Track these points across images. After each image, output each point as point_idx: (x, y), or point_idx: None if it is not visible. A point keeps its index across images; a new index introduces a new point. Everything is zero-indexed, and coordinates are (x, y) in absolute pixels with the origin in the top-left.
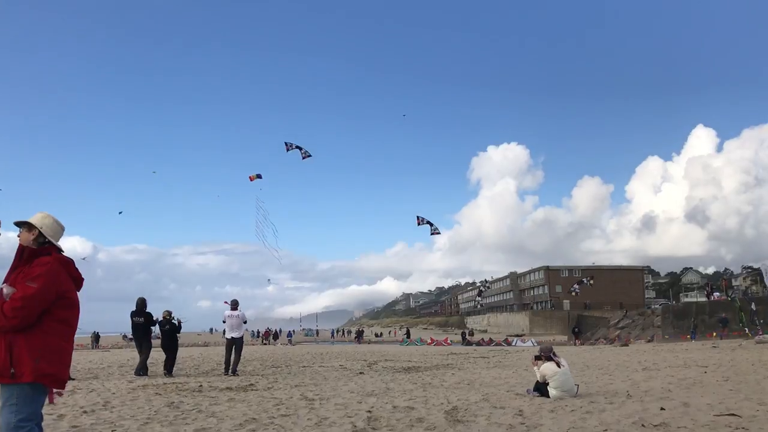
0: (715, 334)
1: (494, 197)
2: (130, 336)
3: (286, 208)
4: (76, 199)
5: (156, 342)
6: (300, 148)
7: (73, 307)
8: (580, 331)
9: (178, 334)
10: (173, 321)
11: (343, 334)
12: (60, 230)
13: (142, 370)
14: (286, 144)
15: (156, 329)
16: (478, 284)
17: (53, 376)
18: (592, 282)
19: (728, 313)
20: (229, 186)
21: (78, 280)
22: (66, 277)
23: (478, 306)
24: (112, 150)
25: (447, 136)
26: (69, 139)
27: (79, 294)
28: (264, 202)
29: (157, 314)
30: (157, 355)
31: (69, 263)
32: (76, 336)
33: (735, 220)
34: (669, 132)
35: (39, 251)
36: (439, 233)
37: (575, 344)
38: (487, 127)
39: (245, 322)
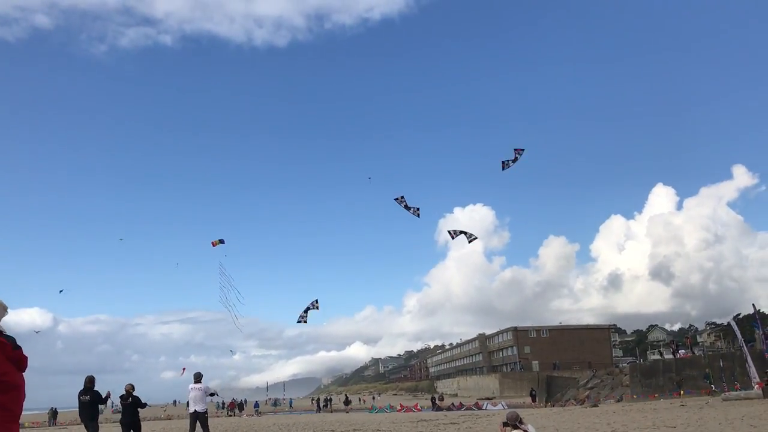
0: (682, 392)
1: (462, 258)
2: None
3: (253, 275)
4: (36, 269)
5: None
6: (465, 233)
7: (12, 390)
8: (537, 393)
9: (140, 409)
10: (135, 395)
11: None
12: (1, 311)
13: None
14: (450, 233)
15: (117, 403)
16: (447, 346)
17: None
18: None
19: (693, 370)
20: (193, 252)
21: (20, 361)
22: (2, 359)
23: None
24: (74, 217)
25: (414, 198)
26: (29, 207)
27: (32, 370)
28: (226, 268)
29: (118, 388)
30: None
31: (5, 345)
32: (33, 413)
33: (698, 276)
34: (630, 191)
35: None
36: (476, 238)
37: (544, 406)
38: (452, 189)
39: (212, 394)
